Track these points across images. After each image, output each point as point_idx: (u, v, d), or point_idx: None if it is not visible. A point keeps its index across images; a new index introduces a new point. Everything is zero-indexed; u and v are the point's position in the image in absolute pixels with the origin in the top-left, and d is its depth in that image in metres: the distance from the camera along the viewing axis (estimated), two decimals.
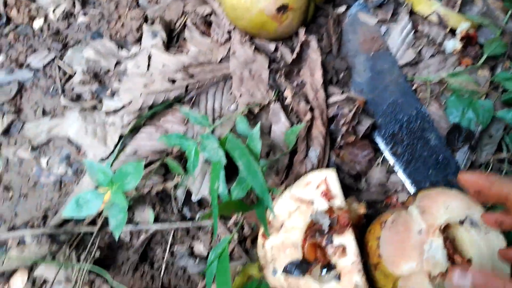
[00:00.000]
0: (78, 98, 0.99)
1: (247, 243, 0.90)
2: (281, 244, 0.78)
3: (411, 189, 0.91)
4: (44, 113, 0.98)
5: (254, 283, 0.83)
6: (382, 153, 0.94)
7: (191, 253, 0.90)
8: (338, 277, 0.73)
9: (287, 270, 0.76)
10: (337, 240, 0.75)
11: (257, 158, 0.76)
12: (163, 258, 0.90)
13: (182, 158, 0.92)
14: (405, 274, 0.69)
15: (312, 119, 0.89)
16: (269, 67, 0.94)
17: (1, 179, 0.95)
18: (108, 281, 0.88)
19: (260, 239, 0.81)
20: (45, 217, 0.92)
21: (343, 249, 0.75)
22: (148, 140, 0.90)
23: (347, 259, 0.74)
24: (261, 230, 0.81)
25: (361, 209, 0.82)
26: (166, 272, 0.90)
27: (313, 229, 0.78)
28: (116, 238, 0.76)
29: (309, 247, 0.77)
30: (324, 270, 0.74)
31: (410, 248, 0.71)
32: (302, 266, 0.76)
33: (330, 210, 0.78)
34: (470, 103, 0.93)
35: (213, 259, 0.74)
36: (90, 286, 0.87)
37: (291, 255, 0.77)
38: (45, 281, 0.87)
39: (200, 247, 0.91)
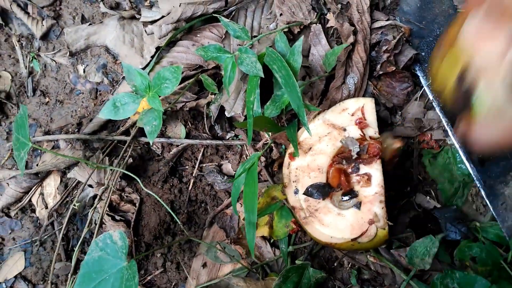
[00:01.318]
0: (117, 6, 0.97)
1: (274, 167, 0.90)
2: (306, 166, 0.78)
3: (447, 127, 0.88)
4: (83, 19, 0.97)
5: (277, 205, 0.84)
6: (421, 88, 0.91)
7: (219, 171, 0.91)
8: (359, 205, 0.74)
9: (308, 192, 0.77)
10: (364, 169, 0.75)
11: (296, 73, 0.74)
12: (192, 173, 0.91)
13: (216, 77, 0.90)
14: (483, 59, 0.55)
15: (355, 43, 0.85)
16: None
17: (39, 84, 0.97)
18: (138, 190, 0.90)
19: (286, 158, 0.81)
20: (79, 124, 0.93)
21: (368, 179, 0.75)
22: (185, 53, 0.88)
23: (371, 189, 0.74)
24: (289, 150, 0.81)
25: (397, 144, 0.80)
26: (194, 187, 0.91)
27: (341, 155, 0.77)
28: (151, 143, 0.76)
29: (334, 172, 0.77)
30: (346, 197, 0.75)
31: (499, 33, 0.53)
32: (324, 190, 0.76)
33: (362, 139, 0.77)
34: None
35: (241, 172, 0.75)
36: (121, 193, 0.90)
37: (315, 178, 0.77)
38: (78, 183, 0.90)
39: (228, 166, 0.91)
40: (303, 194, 0.78)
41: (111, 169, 0.86)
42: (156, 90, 0.74)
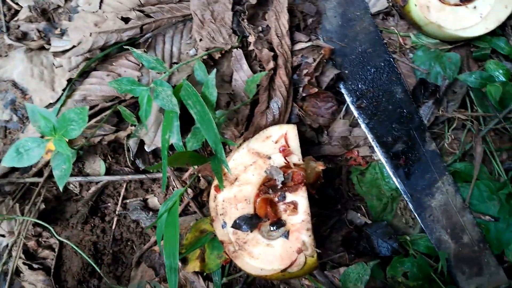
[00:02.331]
0: (24, 36, 0.91)
1: (203, 197, 0.87)
2: (233, 197, 0.76)
3: (373, 143, 0.89)
4: None
5: (207, 238, 0.81)
6: (346, 106, 0.91)
7: (145, 206, 0.87)
8: (287, 234, 0.72)
9: (236, 224, 0.75)
10: (290, 197, 0.74)
11: (212, 107, 0.71)
12: (115, 211, 0.87)
13: (136, 106, 0.86)
14: None
15: (276, 67, 0.84)
16: (232, 9, 0.88)
17: None
18: (57, 233, 0.85)
19: (212, 191, 0.79)
20: None
21: (295, 207, 0.74)
22: (99, 85, 0.83)
23: (298, 217, 0.73)
24: (215, 182, 0.78)
25: (319, 167, 0.80)
26: (118, 225, 0.87)
27: (267, 184, 0.76)
28: (61, 189, 0.71)
29: (261, 203, 0.76)
30: (274, 227, 0.73)
31: None
32: (251, 221, 0.74)
33: (286, 167, 0.76)
34: (437, 56, 0.90)
35: (163, 212, 0.72)
36: (38, 239, 0.84)
37: (242, 209, 0.76)
38: None
39: (154, 200, 0.88)
40: (231, 227, 0.76)
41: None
42: (62, 132, 0.69)
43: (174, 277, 0.67)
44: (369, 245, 0.86)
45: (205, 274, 0.85)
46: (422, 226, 0.85)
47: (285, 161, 0.76)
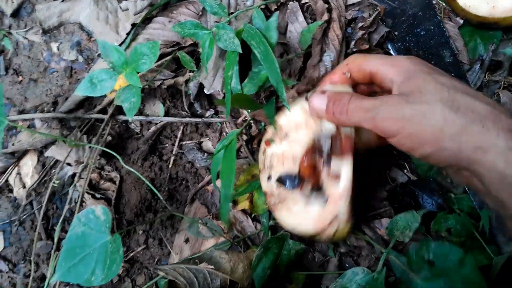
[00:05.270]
0: None
1: (254, 144, 0.91)
2: (281, 154, 0.76)
3: None
4: None
5: (257, 183, 0.85)
6: None
7: (200, 149, 0.92)
8: (325, 201, 0.70)
9: (280, 180, 0.75)
10: (335, 164, 0.71)
11: (273, 48, 0.75)
12: (172, 151, 0.92)
13: (194, 54, 0.90)
14: None
15: (330, 20, 0.87)
16: None
17: (11, 62, 0.94)
18: (117, 168, 0.90)
19: (262, 144, 0.79)
20: (55, 103, 0.92)
21: (338, 175, 0.70)
22: (161, 30, 0.88)
23: (339, 185, 0.70)
24: (265, 136, 0.79)
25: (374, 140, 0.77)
26: (174, 165, 0.92)
27: (315, 147, 0.74)
28: (130, 119, 0.76)
29: (306, 164, 0.74)
30: (314, 192, 0.72)
31: None
32: (294, 181, 0.74)
33: (336, 133, 0.72)
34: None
35: (219, 149, 0.75)
36: (100, 172, 0.89)
37: (288, 167, 0.75)
38: (55, 162, 0.89)
39: (208, 144, 0.92)
40: (276, 181, 0.76)
41: (89, 147, 0.85)
42: (133, 66, 0.74)
43: (226, 204, 0.72)
44: (414, 200, 0.88)
45: (253, 215, 0.89)
46: (466, 186, 0.87)
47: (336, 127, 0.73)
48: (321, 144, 0.72)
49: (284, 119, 0.76)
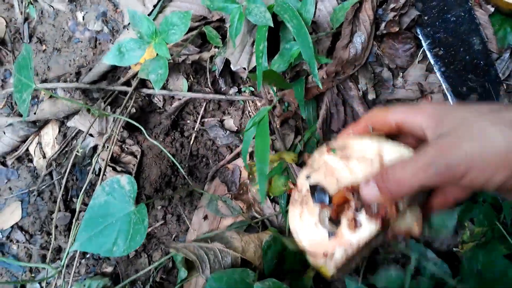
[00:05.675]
0: None
1: (277, 124, 0.89)
2: (332, 169, 0.65)
3: (447, 91, 0.89)
4: None
5: (281, 166, 0.84)
6: (422, 51, 0.91)
7: (221, 126, 0.90)
8: (331, 234, 0.62)
9: (313, 188, 0.72)
10: (361, 216, 0.61)
11: (308, 24, 0.73)
12: (194, 128, 0.91)
13: (220, 30, 0.89)
14: None
15: (362, 0, 0.85)
16: None
17: (35, 30, 0.93)
18: (139, 142, 0.89)
19: (325, 147, 0.73)
20: (78, 73, 0.91)
21: (356, 226, 0.67)
22: (189, 3, 0.86)
23: (349, 235, 0.62)
24: (332, 143, 0.72)
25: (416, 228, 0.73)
26: (195, 141, 0.91)
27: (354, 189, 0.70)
28: (157, 90, 0.75)
29: (340, 195, 0.69)
30: (328, 220, 0.63)
31: None
32: (323, 199, 0.69)
33: None
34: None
35: (250, 126, 0.74)
36: (122, 145, 0.88)
37: (328, 183, 0.66)
38: (77, 133, 0.89)
39: (230, 122, 0.91)
40: (311, 184, 0.73)
41: (113, 118, 0.84)
42: (163, 36, 0.72)
43: (263, 179, 0.70)
44: None
45: (272, 197, 0.88)
46: None
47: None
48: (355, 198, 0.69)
49: (358, 143, 0.70)
